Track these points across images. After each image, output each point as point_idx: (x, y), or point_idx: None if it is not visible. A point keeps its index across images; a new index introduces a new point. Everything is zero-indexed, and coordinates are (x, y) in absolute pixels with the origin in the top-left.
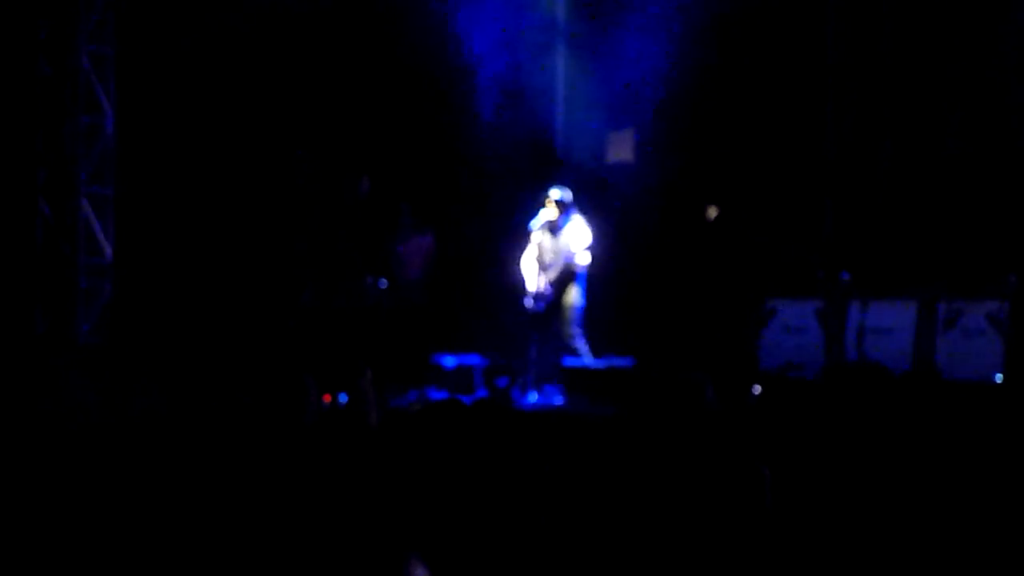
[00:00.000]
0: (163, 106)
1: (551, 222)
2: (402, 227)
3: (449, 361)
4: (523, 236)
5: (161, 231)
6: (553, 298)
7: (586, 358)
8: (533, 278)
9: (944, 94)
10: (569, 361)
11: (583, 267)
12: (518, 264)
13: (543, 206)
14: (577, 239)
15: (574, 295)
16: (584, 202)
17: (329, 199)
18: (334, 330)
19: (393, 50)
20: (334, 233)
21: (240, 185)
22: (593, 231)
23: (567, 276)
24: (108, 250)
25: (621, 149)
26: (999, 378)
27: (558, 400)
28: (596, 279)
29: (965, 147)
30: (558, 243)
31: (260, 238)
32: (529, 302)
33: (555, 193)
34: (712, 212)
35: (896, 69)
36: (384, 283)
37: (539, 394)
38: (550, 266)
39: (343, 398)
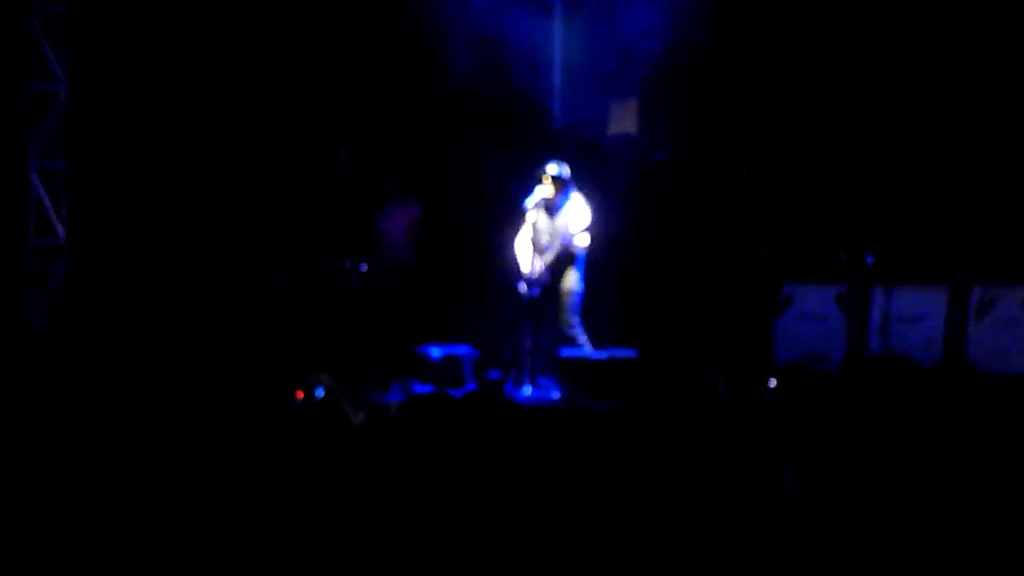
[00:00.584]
0: (120, 72)
1: (548, 200)
2: (385, 194)
3: (436, 352)
4: (517, 215)
5: (118, 209)
6: (549, 283)
7: (585, 349)
8: (527, 261)
9: (977, 60)
10: (566, 352)
11: (582, 249)
12: (511, 246)
13: (539, 182)
14: (576, 219)
15: (572, 280)
16: (583, 178)
17: (303, 174)
18: (307, 321)
19: (375, 8)
20: (309, 211)
21: (205, 160)
22: (593, 210)
23: (564, 259)
24: (61, 230)
25: (624, 120)
26: None
27: (554, 394)
28: (596, 263)
29: (1001, 118)
30: (555, 223)
31: (227, 216)
32: (523, 287)
33: (552, 168)
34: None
35: (925, 32)
36: (364, 266)
37: (534, 388)
38: (546, 248)
39: (320, 392)
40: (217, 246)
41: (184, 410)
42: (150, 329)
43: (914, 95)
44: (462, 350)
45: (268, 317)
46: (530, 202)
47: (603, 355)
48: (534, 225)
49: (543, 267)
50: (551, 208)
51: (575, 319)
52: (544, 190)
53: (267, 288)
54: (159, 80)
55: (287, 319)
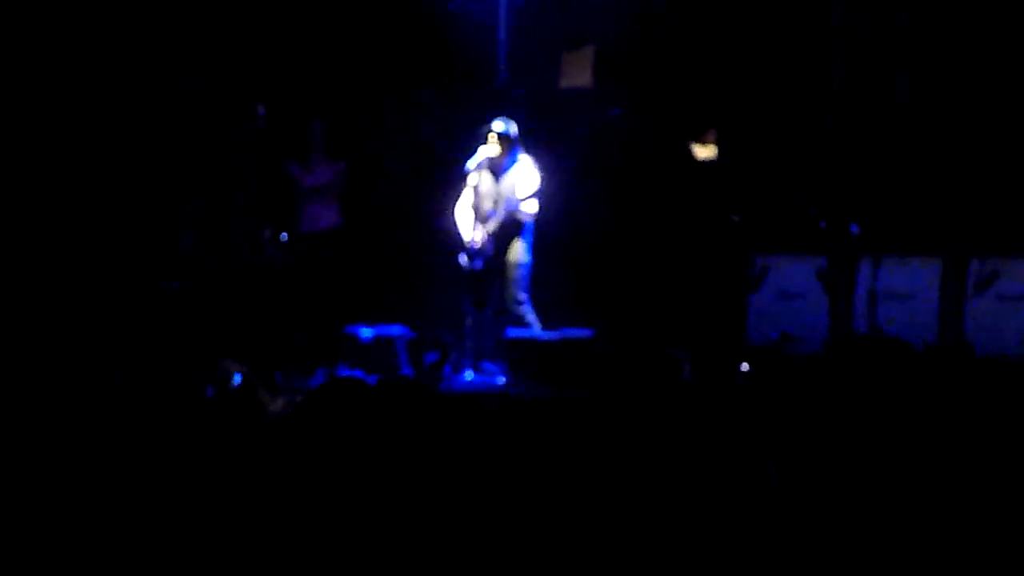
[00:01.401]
0: None
1: (492, 161)
2: (309, 150)
3: (365, 333)
4: (457, 177)
5: None
6: (493, 255)
7: (534, 329)
8: (469, 229)
9: (974, 7)
10: (513, 332)
11: (530, 217)
12: (451, 212)
13: (483, 142)
14: (523, 183)
15: (519, 251)
16: (531, 137)
17: (214, 130)
18: (218, 297)
19: None
20: (220, 173)
21: (100, 113)
22: (542, 173)
23: (510, 227)
24: None
25: (577, 72)
26: None
27: (499, 380)
28: (546, 231)
29: (1001, 71)
30: (500, 187)
31: (126, 180)
32: (464, 259)
33: (498, 126)
34: (702, 148)
35: None
36: (285, 236)
37: (476, 373)
38: (490, 215)
39: (237, 380)
40: (110, 210)
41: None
42: (33, 311)
43: (904, 37)
44: (395, 331)
45: (171, 293)
46: (472, 163)
47: (555, 336)
48: (476, 189)
49: (486, 236)
50: (496, 170)
51: (523, 295)
52: (489, 150)
53: (170, 259)
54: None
55: (195, 296)
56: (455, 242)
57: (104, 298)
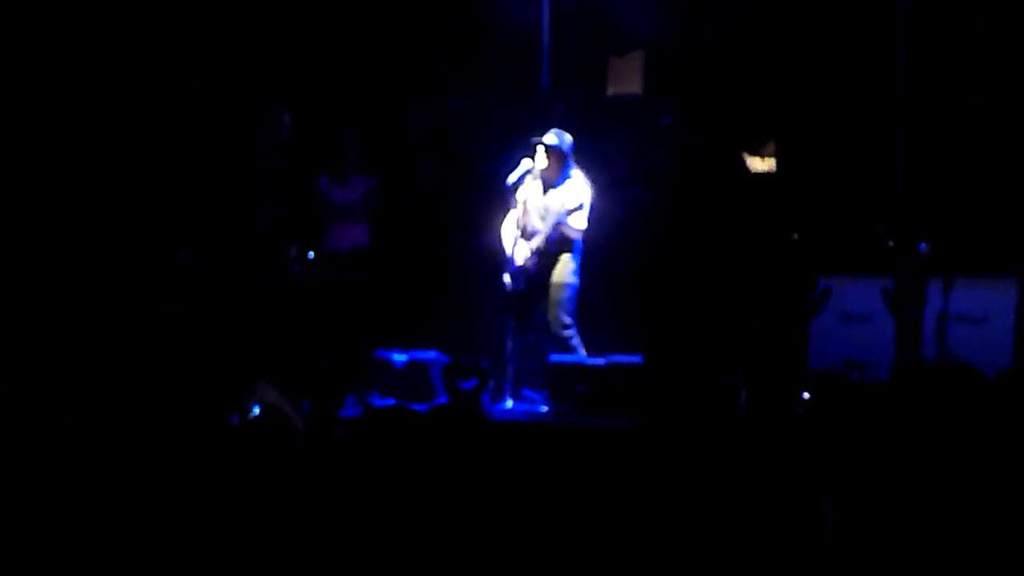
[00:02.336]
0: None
1: (542, 175)
2: (344, 160)
3: (399, 358)
4: (495, 193)
5: None
6: (537, 274)
7: (580, 354)
8: (511, 247)
9: None
10: (557, 358)
11: (578, 233)
12: (491, 229)
13: (530, 154)
14: (572, 198)
15: (566, 271)
16: (578, 150)
17: (236, 141)
18: (242, 320)
19: None
20: (242, 186)
21: (111, 122)
22: (591, 188)
23: (557, 246)
24: None
25: (626, 78)
26: None
27: (542, 408)
28: (594, 250)
29: None
30: (547, 202)
31: (128, 190)
32: (506, 280)
33: (550, 139)
34: (759, 160)
35: None
36: (312, 254)
37: (516, 401)
38: (534, 232)
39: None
40: (112, 224)
41: (76, 432)
42: (32, 330)
43: (976, 53)
44: (430, 356)
45: (174, 315)
46: (513, 177)
47: (602, 361)
48: (523, 204)
49: (530, 255)
50: (545, 185)
51: (568, 319)
52: (537, 163)
53: (175, 278)
54: (50, 19)
55: (202, 318)
56: (496, 261)
57: (100, 320)
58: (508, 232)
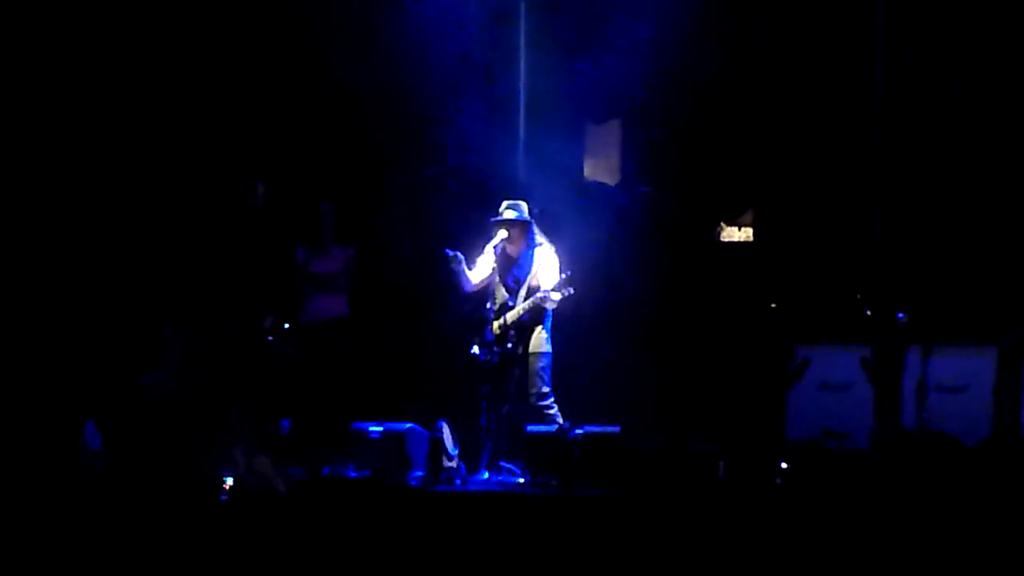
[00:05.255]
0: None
1: (509, 248)
2: (322, 232)
3: (375, 429)
4: (479, 259)
5: None
6: (514, 345)
7: (556, 424)
8: (485, 321)
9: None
10: (533, 428)
11: (555, 305)
12: (471, 299)
13: (494, 231)
14: (546, 271)
15: (540, 340)
16: (552, 219)
17: (210, 213)
18: (217, 391)
19: (302, 23)
20: (216, 257)
21: (96, 189)
22: (564, 256)
23: (533, 317)
24: None
25: (602, 148)
26: None
27: (518, 479)
28: (569, 319)
29: None
30: (519, 276)
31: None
32: (476, 351)
33: (509, 213)
34: (737, 229)
35: (964, 54)
36: (287, 326)
37: (492, 472)
38: (510, 303)
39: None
40: (84, 296)
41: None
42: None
43: (954, 113)
44: (404, 427)
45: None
46: (491, 245)
47: (579, 432)
48: (493, 275)
49: (505, 326)
50: (513, 258)
51: (546, 388)
52: (500, 238)
53: (154, 350)
54: (46, 92)
55: (181, 389)
56: (470, 332)
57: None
58: (477, 275)
